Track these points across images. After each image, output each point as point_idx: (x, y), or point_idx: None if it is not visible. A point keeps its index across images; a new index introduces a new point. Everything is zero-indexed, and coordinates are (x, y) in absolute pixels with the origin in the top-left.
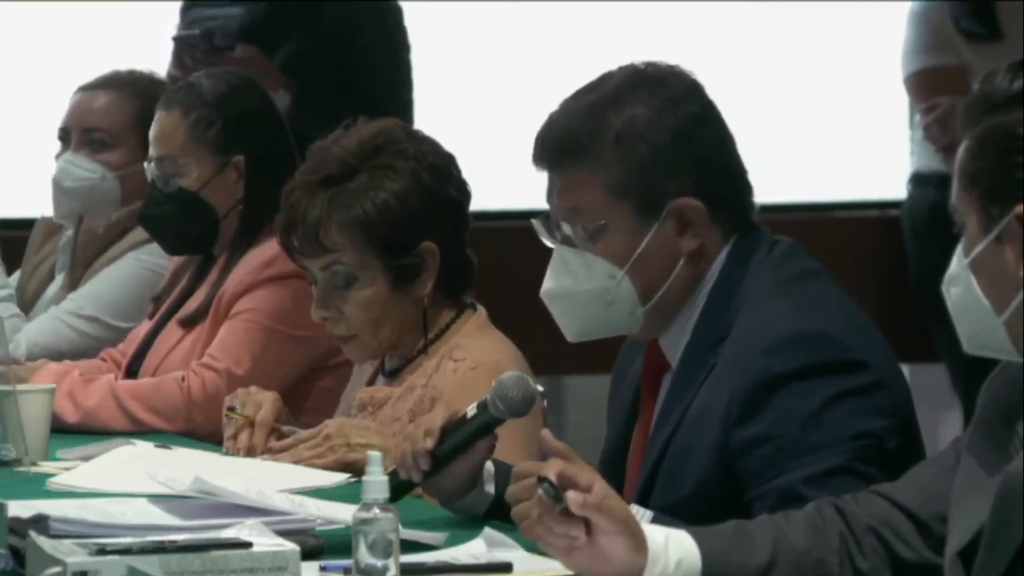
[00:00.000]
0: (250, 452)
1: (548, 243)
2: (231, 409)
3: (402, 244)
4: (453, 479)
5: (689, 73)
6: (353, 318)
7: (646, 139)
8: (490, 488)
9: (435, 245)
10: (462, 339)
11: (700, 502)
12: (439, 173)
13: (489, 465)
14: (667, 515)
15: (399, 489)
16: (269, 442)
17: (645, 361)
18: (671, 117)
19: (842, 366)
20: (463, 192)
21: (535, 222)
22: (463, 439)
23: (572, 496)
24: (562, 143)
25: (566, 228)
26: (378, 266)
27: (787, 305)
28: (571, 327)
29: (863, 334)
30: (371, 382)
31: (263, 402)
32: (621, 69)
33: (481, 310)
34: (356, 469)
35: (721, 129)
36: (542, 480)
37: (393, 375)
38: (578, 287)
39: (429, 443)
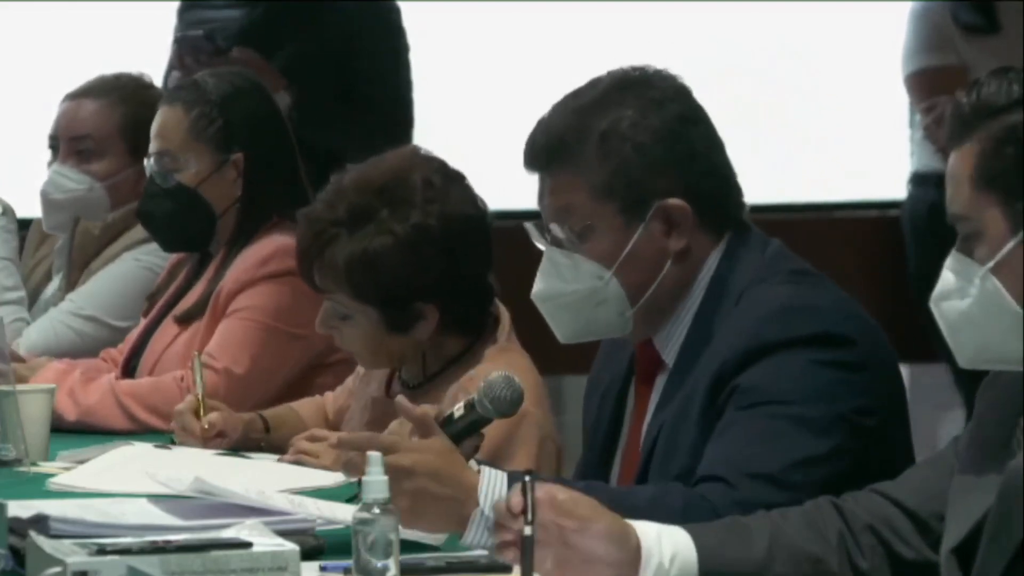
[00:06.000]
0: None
1: (539, 245)
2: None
3: (396, 301)
4: None
5: (676, 76)
6: (350, 345)
7: (630, 140)
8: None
9: (433, 306)
10: (482, 368)
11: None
12: (444, 233)
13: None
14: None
15: None
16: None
17: (638, 362)
18: (655, 118)
19: (829, 339)
20: (478, 251)
21: (527, 225)
22: (450, 439)
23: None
24: (549, 145)
25: (555, 230)
26: (373, 314)
27: (785, 289)
28: (562, 328)
29: (856, 319)
30: (388, 385)
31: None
32: (610, 73)
33: (501, 328)
34: None
35: (707, 131)
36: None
37: (417, 387)
38: (567, 288)
39: None
